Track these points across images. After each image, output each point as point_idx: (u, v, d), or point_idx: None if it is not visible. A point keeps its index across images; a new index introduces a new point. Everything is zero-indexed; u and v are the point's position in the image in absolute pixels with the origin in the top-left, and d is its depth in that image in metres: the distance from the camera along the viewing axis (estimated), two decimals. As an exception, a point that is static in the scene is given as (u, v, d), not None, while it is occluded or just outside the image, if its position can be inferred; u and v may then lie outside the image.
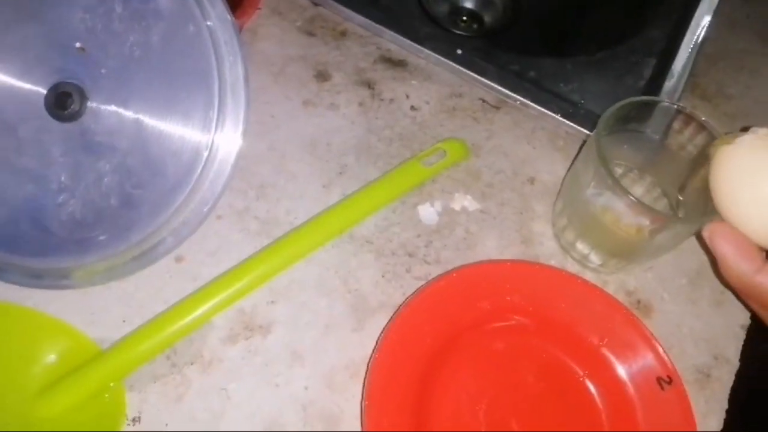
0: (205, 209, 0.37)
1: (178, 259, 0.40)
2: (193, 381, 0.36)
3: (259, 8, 0.53)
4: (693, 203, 0.38)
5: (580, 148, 0.46)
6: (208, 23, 0.36)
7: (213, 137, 0.36)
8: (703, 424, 0.38)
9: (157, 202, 0.37)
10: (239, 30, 0.49)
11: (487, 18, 0.74)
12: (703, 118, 0.36)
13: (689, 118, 0.37)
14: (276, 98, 0.48)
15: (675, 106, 0.38)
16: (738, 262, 0.29)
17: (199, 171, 0.36)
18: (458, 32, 0.68)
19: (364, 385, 0.35)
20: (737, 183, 0.30)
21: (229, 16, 0.36)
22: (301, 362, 0.37)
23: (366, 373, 0.35)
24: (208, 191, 0.37)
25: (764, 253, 0.30)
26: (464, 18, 0.71)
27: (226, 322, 0.38)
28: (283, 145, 0.46)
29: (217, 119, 0.36)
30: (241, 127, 0.37)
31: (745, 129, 0.32)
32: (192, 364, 0.37)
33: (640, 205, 0.33)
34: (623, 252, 0.39)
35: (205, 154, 0.36)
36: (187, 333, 0.37)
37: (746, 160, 0.30)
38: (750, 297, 0.30)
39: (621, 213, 0.36)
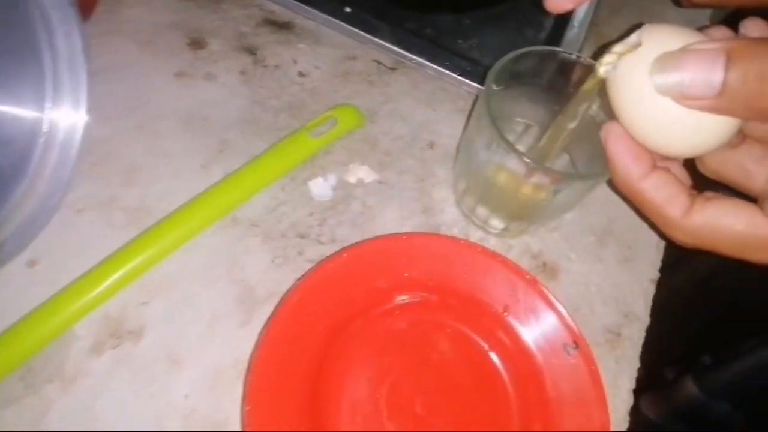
0: (50, 203, 0.32)
1: (31, 264, 0.35)
2: (53, 402, 0.32)
3: (122, -30, 0.47)
4: (588, 158, 0.36)
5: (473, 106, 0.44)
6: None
7: (49, 120, 0.31)
8: (615, 384, 0.36)
9: (-10, 200, 0.31)
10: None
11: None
12: (591, 62, 0.34)
13: (586, 67, 0.35)
14: (145, 70, 0.43)
15: (572, 55, 0.36)
16: (626, 164, 0.27)
17: (36, 160, 0.31)
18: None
19: (244, 387, 0.31)
20: (624, 86, 0.26)
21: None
22: (179, 367, 0.33)
23: (246, 373, 0.31)
24: (51, 182, 0.32)
25: (655, 161, 0.27)
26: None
27: (89, 330, 0.34)
28: (153, 122, 0.41)
29: (53, 99, 0.31)
30: (83, 106, 0.32)
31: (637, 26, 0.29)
32: (51, 382, 0.32)
33: (535, 166, 0.31)
34: (524, 214, 0.37)
35: (41, 140, 0.31)
36: (42, 346, 0.33)
37: (633, 60, 0.25)
38: (633, 203, 0.28)
39: (517, 174, 0.33)
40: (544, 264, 0.39)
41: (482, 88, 0.44)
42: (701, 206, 0.26)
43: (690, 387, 0.64)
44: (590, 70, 0.35)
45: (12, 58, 0.31)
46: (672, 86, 0.24)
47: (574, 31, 0.49)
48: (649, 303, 0.40)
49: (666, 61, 0.24)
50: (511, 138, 0.40)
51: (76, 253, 0.35)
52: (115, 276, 0.34)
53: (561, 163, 0.39)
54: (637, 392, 0.77)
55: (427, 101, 0.45)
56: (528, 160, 0.31)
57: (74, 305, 0.33)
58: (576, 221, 0.41)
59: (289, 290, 0.34)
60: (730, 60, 0.22)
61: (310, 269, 0.35)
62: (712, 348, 0.68)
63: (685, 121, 0.24)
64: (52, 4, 0.31)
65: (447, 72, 0.45)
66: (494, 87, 0.34)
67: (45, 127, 0.31)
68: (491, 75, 0.33)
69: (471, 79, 0.45)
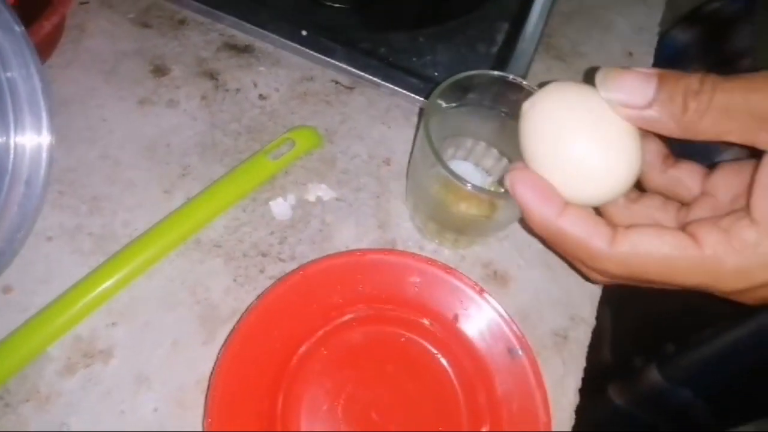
0: (18, 236, 0.34)
1: (6, 290, 0.37)
2: (30, 420, 0.34)
3: (86, 2, 0.48)
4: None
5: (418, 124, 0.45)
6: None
7: (12, 160, 0.33)
8: (562, 384, 0.39)
9: (-42, 236, 0.33)
10: (60, 27, 0.45)
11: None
12: (525, 83, 0.36)
13: (519, 87, 0.37)
14: (108, 99, 0.44)
15: (509, 77, 0.38)
16: (539, 207, 0.27)
17: (2, 196, 0.33)
18: (329, 3, 0.65)
19: (205, 402, 0.33)
20: (536, 139, 0.29)
21: (15, 26, 0.33)
22: (147, 385, 0.35)
23: (207, 389, 0.33)
24: (17, 216, 0.34)
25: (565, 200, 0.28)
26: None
27: (62, 351, 0.36)
28: (117, 151, 0.42)
29: (15, 139, 0.33)
30: (45, 144, 0.34)
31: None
32: (27, 401, 0.34)
33: (469, 186, 0.33)
34: (469, 229, 0.39)
35: (7, 178, 0.33)
36: (19, 368, 0.35)
37: (542, 115, 0.28)
38: (554, 244, 0.29)
39: (458, 192, 0.35)
40: (495, 272, 0.42)
41: (435, 103, 0.47)
42: (624, 234, 0.27)
43: (654, 374, 0.66)
44: (521, 89, 0.37)
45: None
46: (613, 93, 0.26)
47: (524, 44, 0.51)
48: (595, 305, 0.42)
49: (609, 73, 0.27)
50: (461, 153, 0.43)
51: (47, 278, 0.37)
52: (85, 300, 0.36)
53: (500, 166, 0.41)
54: (607, 380, 0.79)
55: (382, 119, 0.47)
56: (462, 180, 0.33)
57: (47, 329, 0.35)
58: (524, 229, 0.43)
59: (247, 308, 0.36)
60: (661, 78, 0.26)
61: (267, 287, 0.37)
62: (675, 336, 0.70)
63: (590, 169, 0.27)
64: (11, 47, 0.33)
65: (400, 90, 0.47)
66: (435, 110, 0.36)
67: (9, 165, 0.33)
68: (429, 103, 0.35)
69: (424, 96, 0.47)
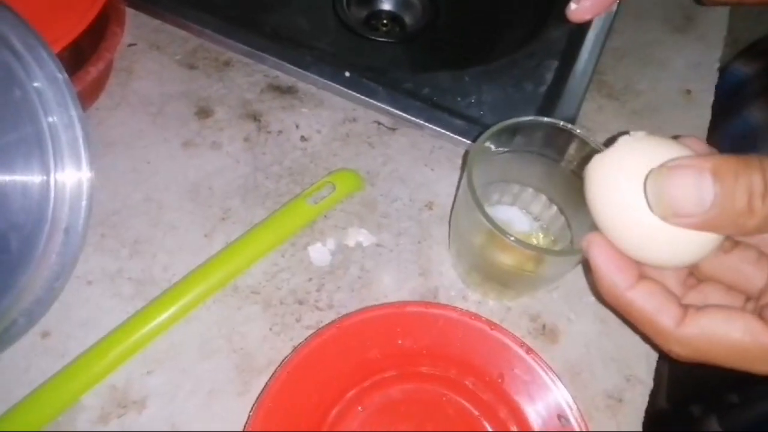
0: (56, 284, 0.34)
1: (44, 335, 0.37)
2: (62, 471, 0.33)
3: (134, 44, 0.50)
4: (584, 222, 0.36)
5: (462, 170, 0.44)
6: (35, 84, 0.32)
7: (51, 208, 0.33)
8: (617, 454, 0.36)
9: (3, 283, 0.33)
10: (107, 71, 0.46)
11: (408, 19, 0.71)
12: (578, 131, 0.34)
13: (570, 134, 0.35)
14: (153, 141, 0.45)
15: (559, 124, 0.36)
16: (611, 275, 0.26)
17: (42, 244, 0.33)
18: (380, 39, 0.65)
19: (237, 464, 0.32)
20: (604, 196, 0.26)
21: (58, 74, 0.33)
22: (180, 437, 0.34)
23: (241, 449, 0.32)
24: (56, 264, 0.34)
25: (641, 271, 0.27)
26: (384, 22, 0.69)
27: (96, 400, 0.35)
28: (160, 193, 0.42)
29: (56, 188, 0.33)
30: (85, 193, 0.34)
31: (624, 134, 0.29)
32: (60, 451, 0.34)
33: (513, 240, 0.31)
34: (515, 282, 0.37)
35: (46, 226, 0.33)
36: (52, 418, 0.34)
37: (612, 170, 0.26)
38: (621, 314, 0.27)
39: (502, 243, 0.33)
40: (544, 326, 0.39)
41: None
42: (694, 316, 0.25)
43: (713, 426, 0.62)
44: (572, 136, 0.35)
45: (22, 152, 0.33)
46: (664, 205, 0.23)
47: (575, 83, 0.49)
48: (653, 365, 0.39)
49: (656, 181, 0.24)
50: (507, 199, 0.41)
51: (85, 323, 0.37)
52: (121, 348, 0.36)
53: (549, 213, 0.39)
54: (663, 429, 0.74)
55: (425, 161, 0.46)
56: (504, 232, 0.31)
57: (82, 377, 0.35)
58: (576, 280, 0.41)
59: (282, 362, 0.35)
60: (716, 176, 0.22)
61: (303, 341, 0.36)
62: (739, 386, 0.65)
63: (667, 234, 0.24)
64: (55, 98, 0.33)
65: (444, 131, 0.45)
66: (479, 156, 0.35)
67: (48, 216, 0.33)
68: (473, 151, 0.34)
69: (468, 138, 0.45)
